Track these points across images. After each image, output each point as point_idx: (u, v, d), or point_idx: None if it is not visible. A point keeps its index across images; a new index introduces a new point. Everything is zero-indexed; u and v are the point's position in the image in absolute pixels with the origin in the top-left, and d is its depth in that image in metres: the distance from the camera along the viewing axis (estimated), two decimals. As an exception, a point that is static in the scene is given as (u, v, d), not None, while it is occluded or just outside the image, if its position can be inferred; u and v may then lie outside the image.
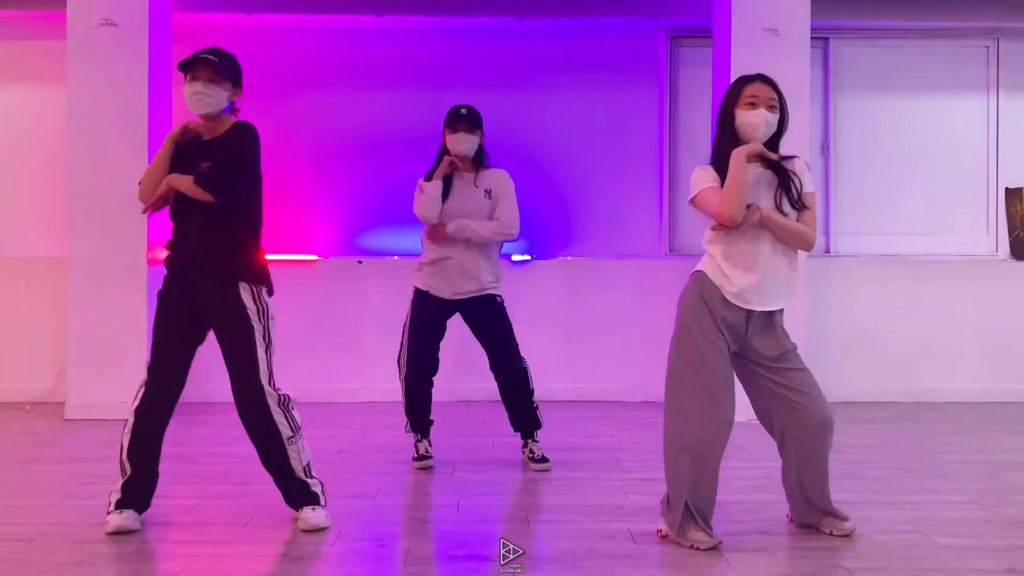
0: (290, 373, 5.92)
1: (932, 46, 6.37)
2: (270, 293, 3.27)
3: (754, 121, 3.02)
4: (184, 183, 3.13)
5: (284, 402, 3.18)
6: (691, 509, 2.99)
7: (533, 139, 6.25)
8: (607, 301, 6.11)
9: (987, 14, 6.14)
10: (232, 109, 3.29)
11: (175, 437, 4.54)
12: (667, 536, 3.06)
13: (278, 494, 3.61)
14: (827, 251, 6.31)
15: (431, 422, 4.27)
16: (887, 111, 6.37)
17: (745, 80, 3.11)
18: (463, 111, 4.15)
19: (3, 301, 5.89)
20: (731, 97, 3.10)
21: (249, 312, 3.17)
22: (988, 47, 6.38)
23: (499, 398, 4.30)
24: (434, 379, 4.22)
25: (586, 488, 3.75)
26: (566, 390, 6.00)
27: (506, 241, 4.32)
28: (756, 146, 3.01)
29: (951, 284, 6.14)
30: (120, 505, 3.16)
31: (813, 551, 2.99)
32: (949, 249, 6.30)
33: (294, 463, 3.18)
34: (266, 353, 3.18)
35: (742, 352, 3.11)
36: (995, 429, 5.14)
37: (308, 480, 3.22)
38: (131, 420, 3.16)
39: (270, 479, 3.75)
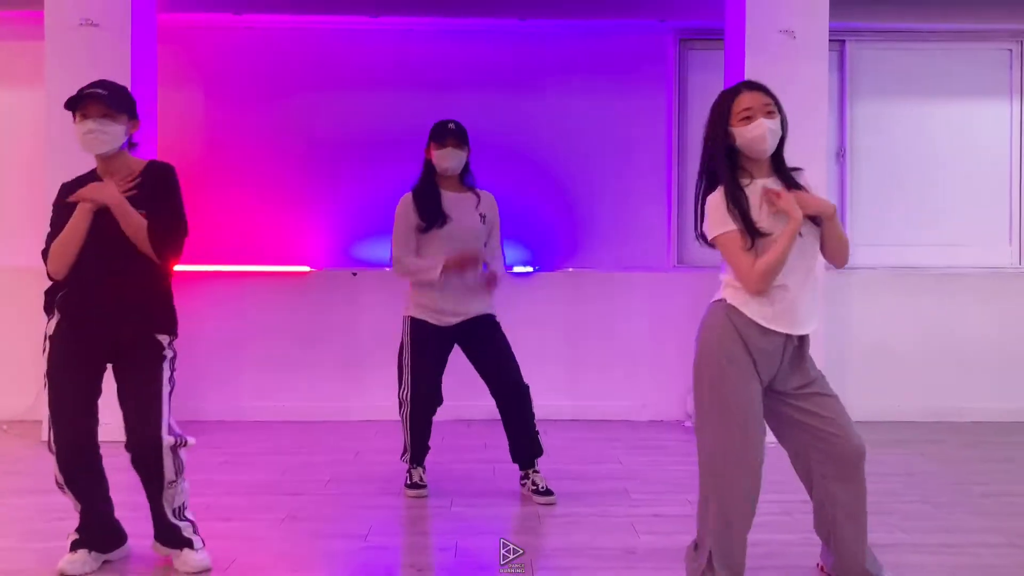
0: (281, 389, 5.71)
1: (953, 49, 6.10)
2: (176, 339, 3.07)
3: (758, 134, 2.71)
4: (137, 230, 2.89)
5: (175, 446, 2.96)
6: (713, 561, 2.71)
7: (536, 145, 5.98)
8: (613, 315, 5.83)
9: (1010, 16, 5.87)
10: (130, 144, 3.03)
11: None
12: None
13: (262, 534, 3.36)
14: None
15: (428, 449, 4.02)
16: (906, 116, 6.10)
17: (732, 93, 2.78)
18: (451, 126, 3.91)
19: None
20: (720, 115, 2.76)
21: (166, 362, 2.98)
22: (1011, 50, 6.11)
23: (498, 416, 4.00)
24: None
25: (593, 526, 3.48)
26: (569, 408, 5.74)
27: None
28: (800, 214, 2.67)
29: (973, 298, 5.87)
30: (76, 545, 2.99)
31: (846, 606, 2.72)
32: (971, 261, 6.03)
33: (165, 506, 2.98)
34: (169, 398, 2.98)
35: (770, 385, 2.83)
36: (1024, 454, 4.87)
37: (178, 523, 3.01)
38: (54, 458, 2.96)
39: (254, 515, 3.52)
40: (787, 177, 2.82)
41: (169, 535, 3.02)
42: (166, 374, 2.98)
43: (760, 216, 2.72)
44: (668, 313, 5.74)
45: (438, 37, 6.02)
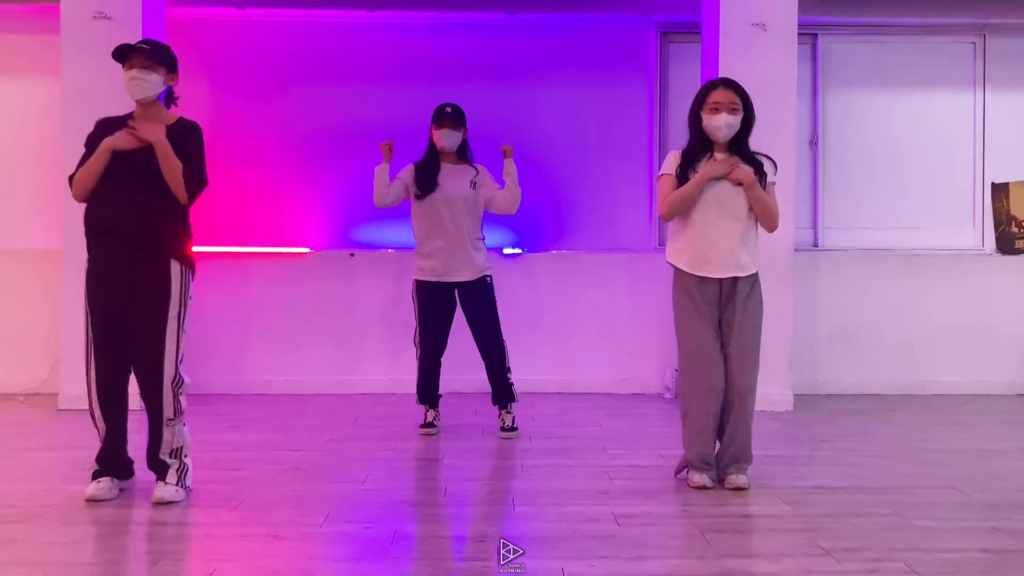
0: (282, 364, 6.03)
1: (920, 42, 6.43)
2: (193, 278, 3.44)
3: (716, 124, 3.51)
4: (174, 169, 3.29)
5: (177, 383, 3.34)
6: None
7: (524, 134, 6.29)
8: (597, 294, 6.16)
9: (974, 11, 6.21)
10: (169, 94, 3.49)
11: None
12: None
13: (268, 480, 3.68)
14: (815, 245, 6.37)
15: (439, 396, 4.75)
16: (875, 106, 6.43)
17: (710, 86, 3.58)
18: (448, 109, 4.59)
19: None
20: (697, 101, 3.60)
21: (173, 288, 3.32)
22: (975, 43, 6.45)
23: (489, 390, 4.72)
24: (441, 359, 4.69)
25: (571, 474, 3.81)
26: (555, 382, 6.06)
27: (506, 215, 4.83)
28: (718, 170, 3.51)
29: (938, 278, 6.20)
30: (97, 475, 3.37)
31: (792, 532, 3.05)
32: (936, 243, 6.37)
33: (163, 443, 3.34)
34: (177, 334, 3.33)
35: (720, 318, 3.60)
36: (979, 420, 5.21)
37: (170, 462, 3.37)
38: (93, 386, 3.32)
39: (260, 467, 3.84)
40: (747, 159, 3.58)
41: (158, 468, 3.38)
42: (173, 307, 3.30)
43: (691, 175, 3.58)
44: (649, 292, 6.07)
45: (432, 30, 6.34)
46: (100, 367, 3.31)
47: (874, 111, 6.43)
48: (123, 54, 3.35)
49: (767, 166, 3.60)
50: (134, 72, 3.34)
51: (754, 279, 3.59)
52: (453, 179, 4.61)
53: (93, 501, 3.30)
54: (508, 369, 4.65)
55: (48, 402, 5.47)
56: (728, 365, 3.53)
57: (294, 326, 6.06)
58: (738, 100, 3.52)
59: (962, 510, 3.33)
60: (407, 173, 4.64)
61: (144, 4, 5.36)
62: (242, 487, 3.55)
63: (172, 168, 3.29)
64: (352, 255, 6.10)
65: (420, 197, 4.58)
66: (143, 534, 3.09)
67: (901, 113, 6.43)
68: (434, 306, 4.60)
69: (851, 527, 3.09)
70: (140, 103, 3.39)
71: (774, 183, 3.63)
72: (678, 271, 3.61)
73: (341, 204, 6.28)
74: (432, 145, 4.65)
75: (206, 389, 5.69)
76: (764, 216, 3.56)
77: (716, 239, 3.52)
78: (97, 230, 3.33)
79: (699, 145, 3.59)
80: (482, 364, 4.66)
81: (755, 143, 5.38)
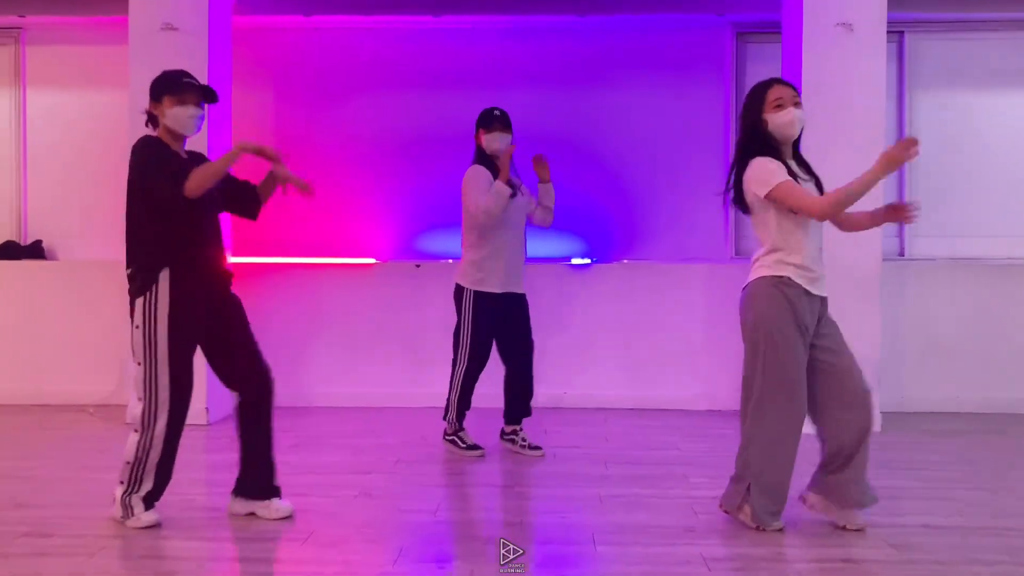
0: (348, 376, 5.93)
1: (1015, 38, 6.04)
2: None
3: (788, 119, 3.23)
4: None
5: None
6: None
7: (594, 139, 6.11)
8: (670, 306, 5.93)
9: (1076, 3, 5.82)
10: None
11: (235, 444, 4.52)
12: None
13: (338, 509, 3.55)
14: (901, 254, 6.05)
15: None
16: (966, 107, 6.07)
17: (765, 85, 3.31)
18: (496, 112, 4.49)
19: (71, 303, 5.95)
20: (755, 104, 3.28)
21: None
22: (1076, 39, 6.05)
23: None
24: None
25: (653, 506, 3.61)
26: (628, 398, 5.85)
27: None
28: (906, 155, 3.10)
29: (1035, 289, 5.83)
30: (149, 504, 3.34)
31: (901, 583, 2.81)
32: (1032, 252, 5.99)
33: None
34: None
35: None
36: (1086, 445, 4.86)
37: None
38: (160, 447, 3.26)
39: (330, 492, 3.72)
40: (804, 162, 3.35)
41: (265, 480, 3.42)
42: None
43: (798, 179, 3.23)
44: (725, 304, 5.79)
45: (500, 35, 6.17)
46: (174, 418, 3.28)
47: (964, 112, 6.08)
48: (177, 87, 3.35)
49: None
50: (193, 109, 3.35)
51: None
52: (517, 186, 4.51)
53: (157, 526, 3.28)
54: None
55: (117, 414, 5.45)
56: (842, 379, 3.23)
57: (360, 338, 5.96)
58: (798, 94, 3.30)
59: (1087, 557, 3.04)
60: (487, 178, 4.41)
61: (211, 14, 5.30)
62: (311, 518, 3.42)
63: (267, 192, 3.66)
64: (418, 266, 5.97)
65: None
66: (212, 571, 2.98)
67: (994, 114, 6.06)
68: (496, 319, 4.45)
69: (967, 577, 2.84)
70: (185, 137, 3.42)
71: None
72: (787, 283, 3.20)
73: (407, 213, 6.16)
74: (480, 151, 4.49)
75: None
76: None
77: (818, 252, 3.27)
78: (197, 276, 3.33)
79: (762, 151, 3.24)
80: (487, 378, 4.57)
81: (843, 148, 5.17)
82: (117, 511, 3.29)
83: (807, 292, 3.20)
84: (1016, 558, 3.01)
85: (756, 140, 3.26)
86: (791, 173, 3.22)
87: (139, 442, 3.25)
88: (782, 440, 3.20)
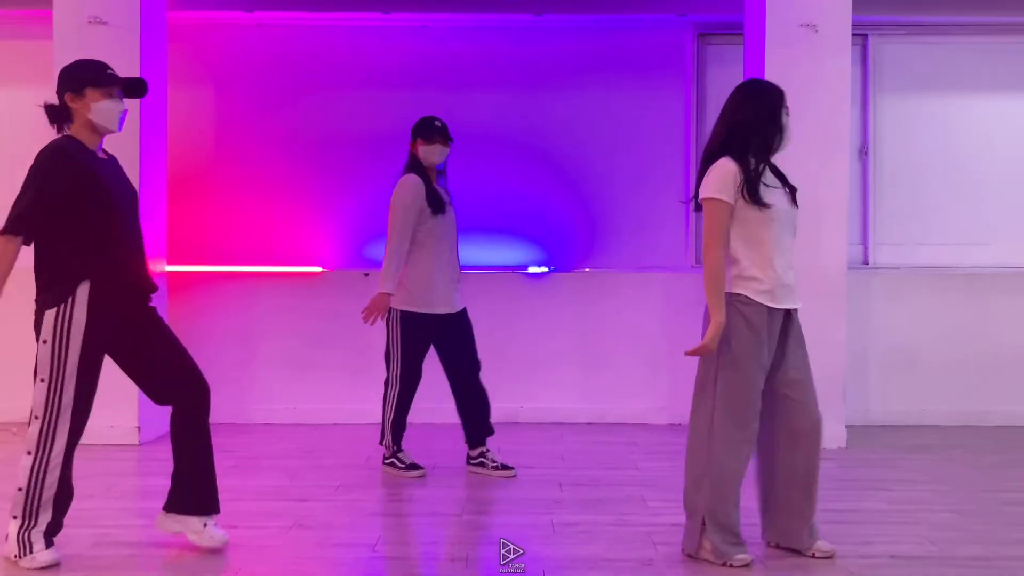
0: (291, 391, 5.64)
1: (980, 43, 5.93)
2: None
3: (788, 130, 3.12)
4: None
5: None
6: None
7: (551, 143, 5.88)
8: (630, 316, 5.72)
9: (1042, 7, 5.71)
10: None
11: (165, 467, 4.20)
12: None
13: (268, 543, 3.28)
14: (865, 263, 5.90)
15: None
16: (931, 113, 5.94)
17: (782, 92, 3.14)
18: (437, 123, 4.27)
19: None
20: (774, 106, 3.09)
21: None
22: (1041, 43, 5.94)
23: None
24: None
25: (609, 536, 3.37)
26: (586, 412, 5.63)
27: None
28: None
29: (1000, 298, 5.71)
30: (49, 540, 3.03)
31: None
32: (998, 261, 5.86)
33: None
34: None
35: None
36: (1055, 460, 4.72)
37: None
38: (56, 471, 2.99)
39: (260, 522, 3.46)
40: (778, 171, 3.16)
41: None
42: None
43: (769, 192, 3.03)
44: (686, 313, 5.59)
45: (451, 33, 5.92)
46: (74, 431, 3.02)
47: (929, 118, 5.95)
48: (109, 79, 3.10)
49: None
50: (122, 104, 3.13)
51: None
52: (447, 201, 4.31)
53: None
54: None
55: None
56: (797, 414, 3.05)
57: (304, 351, 5.67)
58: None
59: (1067, 591, 2.87)
60: (420, 196, 4.17)
61: (143, 8, 4.99)
62: (238, 553, 3.13)
63: None
64: (367, 275, 5.68)
65: (432, 215, 4.17)
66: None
67: (959, 120, 5.93)
68: (428, 339, 4.24)
69: (942, 617, 2.64)
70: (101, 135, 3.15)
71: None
72: (744, 301, 3.02)
73: (355, 220, 5.88)
74: (415, 160, 4.26)
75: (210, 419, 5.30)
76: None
77: (785, 264, 3.07)
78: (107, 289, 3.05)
79: (770, 143, 3.06)
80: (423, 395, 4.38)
81: (806, 154, 5.00)
82: (11, 548, 2.98)
83: (768, 308, 3.01)
84: (991, 593, 2.83)
85: (755, 139, 3.04)
86: (757, 180, 3.01)
87: (33, 466, 2.95)
88: (731, 474, 3.01)
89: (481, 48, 5.92)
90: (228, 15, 5.74)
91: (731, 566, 2.98)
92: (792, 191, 3.14)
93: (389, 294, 4.11)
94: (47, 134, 3.11)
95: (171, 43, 5.43)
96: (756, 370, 2.99)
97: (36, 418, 2.97)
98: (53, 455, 2.95)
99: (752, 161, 3.03)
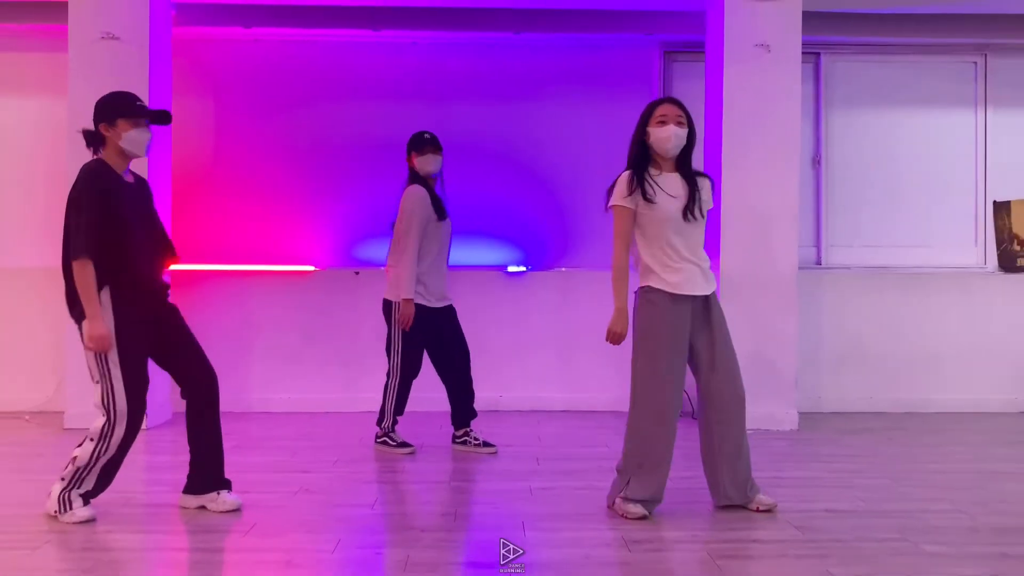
0: (286, 382, 6.03)
1: (922, 62, 6.46)
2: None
3: (665, 135, 3.52)
4: None
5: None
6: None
7: (529, 151, 6.33)
8: (602, 312, 6.11)
9: (975, 31, 6.24)
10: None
11: (174, 446, 4.60)
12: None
13: (278, 503, 3.67)
14: (818, 263, 6.39)
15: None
16: (878, 125, 6.46)
17: (655, 104, 3.62)
18: (427, 135, 4.73)
19: (3, 311, 5.93)
20: (643, 118, 3.60)
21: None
22: (976, 63, 6.48)
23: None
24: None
25: (580, 498, 3.81)
26: (560, 400, 6.07)
27: None
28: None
29: (941, 296, 6.22)
30: (87, 500, 3.45)
31: (802, 558, 3.06)
32: (939, 261, 6.39)
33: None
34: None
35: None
36: (983, 440, 5.21)
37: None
38: (112, 451, 3.38)
39: (269, 489, 3.84)
40: (688, 175, 3.58)
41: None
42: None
43: (655, 193, 3.51)
44: (653, 310, 6.06)
45: (437, 49, 6.36)
46: (133, 419, 3.40)
47: (876, 130, 6.46)
48: (140, 111, 3.49)
49: (708, 187, 3.63)
50: (148, 133, 3.51)
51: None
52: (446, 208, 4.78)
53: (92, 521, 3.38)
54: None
55: (54, 420, 5.46)
56: (719, 389, 3.56)
57: (298, 344, 6.06)
58: (683, 114, 3.57)
59: (970, 535, 3.34)
60: (427, 204, 4.63)
61: (152, 24, 5.39)
62: (252, 512, 3.54)
63: None
64: (357, 273, 6.11)
65: (436, 222, 4.65)
66: (157, 560, 3.09)
67: (903, 132, 6.46)
68: (426, 331, 4.67)
69: (861, 553, 3.10)
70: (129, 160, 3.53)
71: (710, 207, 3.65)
72: (650, 291, 3.54)
73: (345, 222, 6.30)
74: (413, 172, 4.71)
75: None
76: None
77: (689, 255, 3.56)
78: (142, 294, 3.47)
79: (641, 159, 3.57)
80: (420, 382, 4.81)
81: (760, 163, 5.50)
82: (52, 506, 3.39)
83: (674, 296, 3.48)
84: (906, 536, 3.29)
85: (638, 152, 3.56)
86: (651, 186, 3.49)
87: (94, 451, 3.36)
88: (652, 441, 3.48)
89: (464, 64, 6.37)
90: (228, 31, 6.14)
91: (626, 517, 3.45)
92: (693, 196, 3.52)
93: (412, 299, 4.57)
94: (56, 143, 3.43)
95: (176, 57, 5.83)
96: (668, 350, 3.49)
97: (101, 414, 3.37)
98: (111, 444, 3.35)
99: (641, 170, 3.55)
